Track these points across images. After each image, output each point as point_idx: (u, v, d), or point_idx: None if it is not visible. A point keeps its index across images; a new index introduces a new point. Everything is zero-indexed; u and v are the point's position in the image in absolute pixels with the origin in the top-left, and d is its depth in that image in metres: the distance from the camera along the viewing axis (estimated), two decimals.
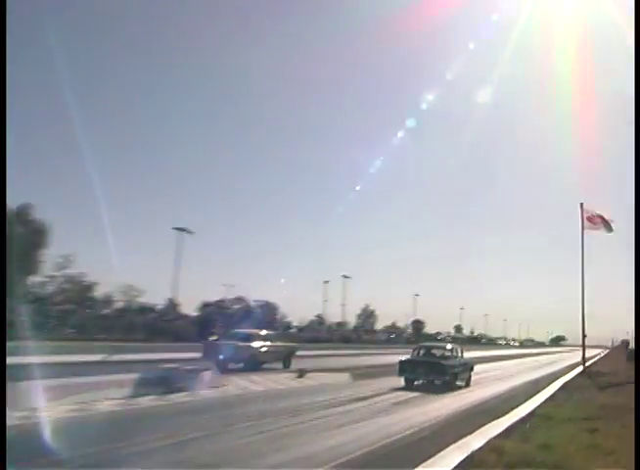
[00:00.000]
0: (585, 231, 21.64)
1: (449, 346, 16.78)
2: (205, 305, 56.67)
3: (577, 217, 21.66)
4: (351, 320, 77.14)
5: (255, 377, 13.88)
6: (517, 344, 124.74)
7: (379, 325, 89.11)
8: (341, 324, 65.03)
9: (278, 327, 55.34)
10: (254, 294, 64.94)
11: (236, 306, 62.47)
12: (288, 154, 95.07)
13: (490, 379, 17.91)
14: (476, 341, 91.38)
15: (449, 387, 14.24)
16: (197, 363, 11.69)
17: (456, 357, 15.90)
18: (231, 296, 60.76)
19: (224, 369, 15.15)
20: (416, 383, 14.82)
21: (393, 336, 69.26)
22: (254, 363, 17.29)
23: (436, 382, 14.75)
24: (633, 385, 14.54)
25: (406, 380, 14.78)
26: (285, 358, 18.73)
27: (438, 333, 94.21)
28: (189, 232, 41.70)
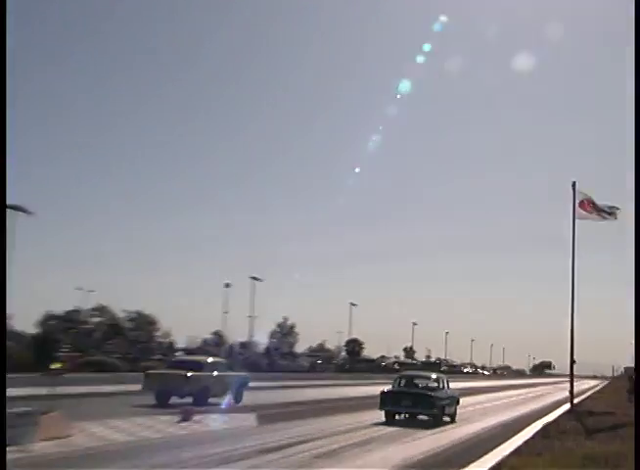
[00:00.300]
0: (578, 221, 23.95)
1: (434, 375, 20.77)
2: (50, 319, 54.87)
3: (567, 209, 23.99)
4: (263, 339, 78.48)
5: (120, 422, 14.06)
6: (487, 372, 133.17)
7: (301, 346, 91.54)
8: (247, 345, 65.92)
9: (155, 349, 55.02)
10: (124, 302, 63.64)
11: (96, 320, 60.07)
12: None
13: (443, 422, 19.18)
14: (433, 368, 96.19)
15: (435, 422, 17.95)
16: (32, 405, 11.71)
17: (443, 389, 19.62)
18: (89, 305, 58.99)
19: (166, 404, 19.69)
20: (397, 418, 18.58)
21: (320, 362, 71.31)
22: (205, 397, 20.88)
23: (422, 417, 18.42)
24: (632, 427, 16.72)
25: (387, 414, 18.43)
26: (236, 391, 22.46)
27: (383, 358, 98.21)
28: (26, 212, 39.51)
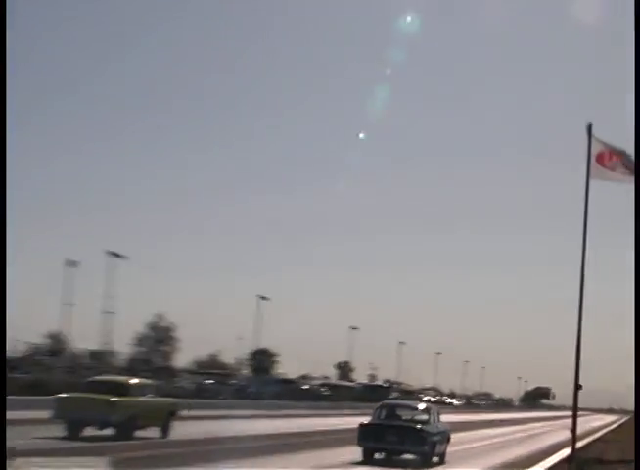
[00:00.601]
0: (595, 183, 24.58)
1: (423, 406, 24.58)
2: None
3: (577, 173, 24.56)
4: (124, 347, 77.35)
5: None
6: (458, 402, 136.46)
7: (183, 359, 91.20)
8: (99, 355, 65.26)
9: None
10: None
11: None
12: None
13: None
14: (380, 394, 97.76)
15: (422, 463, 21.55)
16: None
17: (434, 422, 22.73)
18: None
19: (78, 436, 23.07)
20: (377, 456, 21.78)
21: (212, 382, 71.48)
22: (131, 428, 24.25)
23: (409, 455, 21.74)
24: None
25: (366, 451, 21.58)
26: (165, 422, 26.05)
27: (305, 378, 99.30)
28: None
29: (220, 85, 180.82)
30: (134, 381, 26.92)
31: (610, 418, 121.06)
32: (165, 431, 26.00)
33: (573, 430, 25.23)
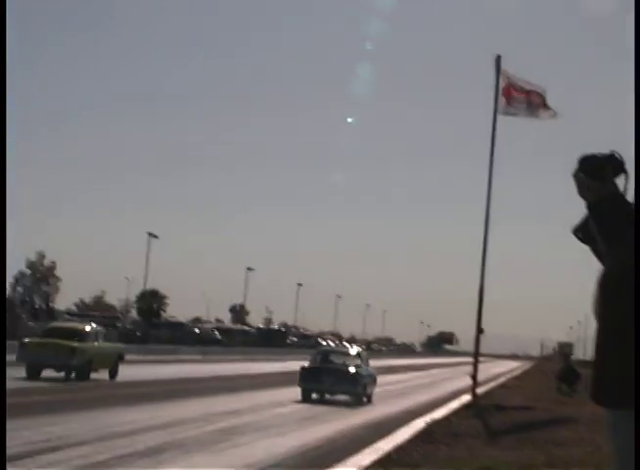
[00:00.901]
0: (503, 119, 24.85)
1: (355, 351, 29.75)
2: None
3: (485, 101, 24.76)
4: None
5: None
6: (358, 348, 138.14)
7: (64, 299, 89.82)
8: None
9: None
10: None
11: None
12: None
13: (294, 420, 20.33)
14: (276, 338, 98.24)
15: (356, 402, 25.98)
16: None
17: (364, 366, 27.35)
18: None
19: (37, 377, 27.18)
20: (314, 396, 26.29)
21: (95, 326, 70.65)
22: (88, 372, 28.50)
23: (345, 396, 26.28)
24: (554, 427, 17.94)
25: (305, 392, 25.97)
26: (114, 365, 30.27)
27: (198, 321, 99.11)
28: None
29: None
30: (90, 328, 30.66)
31: (513, 364, 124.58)
32: (114, 374, 30.06)
33: (474, 376, 25.83)
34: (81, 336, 28.86)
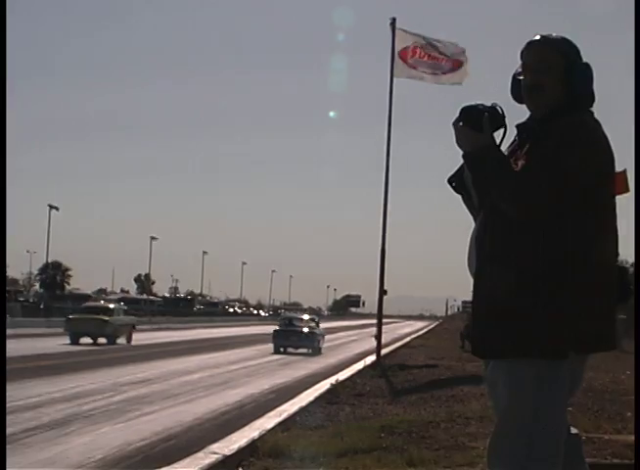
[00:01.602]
0: (398, 74, 24.92)
1: (309, 317, 42.96)
2: None
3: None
4: None
5: None
6: (265, 313, 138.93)
7: None
8: None
9: None
10: None
11: None
12: None
13: (203, 387, 20.46)
14: (183, 307, 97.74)
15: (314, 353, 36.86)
16: None
17: (317, 327, 39.87)
18: None
19: (77, 343, 37.26)
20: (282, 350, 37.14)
21: None
22: (115, 338, 39.08)
23: (306, 350, 37.09)
24: (455, 384, 18.42)
25: (276, 346, 36.80)
26: (129, 333, 41.15)
27: (102, 291, 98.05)
28: None
29: None
30: (114, 306, 43.75)
31: (419, 324, 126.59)
32: (129, 339, 40.58)
33: (378, 337, 26.31)
34: (109, 312, 40.23)
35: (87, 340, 38.17)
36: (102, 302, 52.76)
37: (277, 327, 39.22)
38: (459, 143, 4.08)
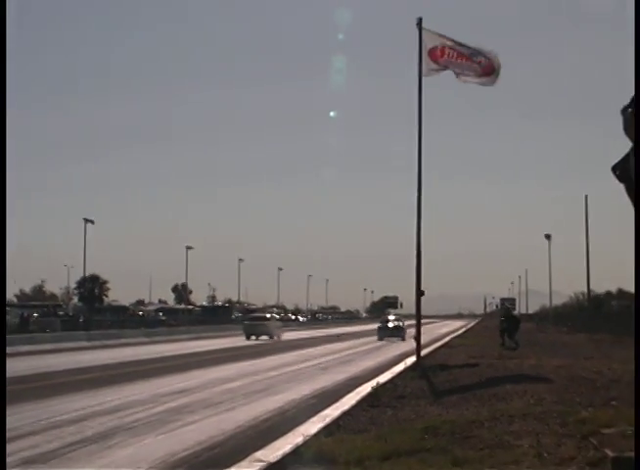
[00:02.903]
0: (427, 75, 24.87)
1: (269, 316, 72.08)
2: None
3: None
4: None
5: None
6: (303, 318, 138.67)
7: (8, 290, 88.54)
8: None
9: None
10: None
11: None
12: None
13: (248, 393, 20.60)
14: (220, 315, 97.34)
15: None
16: None
17: (275, 322, 70.28)
18: None
19: (250, 339, 63.70)
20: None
21: (37, 316, 69.97)
22: (273, 336, 64.58)
23: (396, 338, 60.09)
24: (497, 383, 18.32)
25: (381, 337, 61.70)
26: (280, 332, 69.14)
27: (140, 302, 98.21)
28: None
29: None
30: (269, 315, 72.38)
31: (458, 323, 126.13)
32: (279, 337, 64.18)
33: (418, 338, 26.21)
34: (267, 319, 67.63)
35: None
36: (267, 314, 75.75)
37: (379, 324, 66.07)
38: (627, 131, 3.89)
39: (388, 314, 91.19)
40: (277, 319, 73.03)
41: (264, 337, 61.31)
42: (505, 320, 40.96)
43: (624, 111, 3.90)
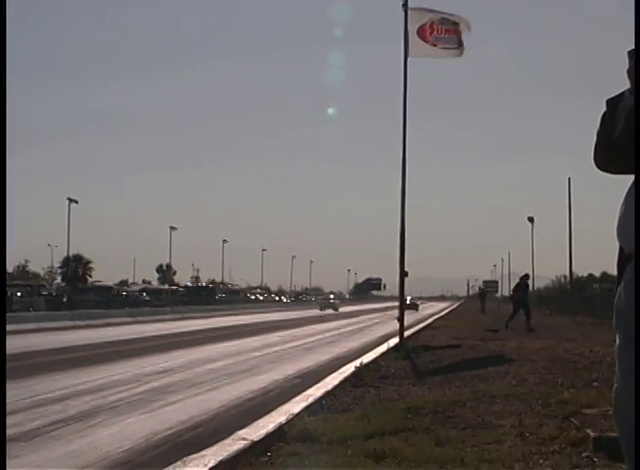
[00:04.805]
0: (414, 53, 24.73)
1: (410, 297, 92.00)
2: None
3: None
4: None
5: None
6: (287, 299, 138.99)
7: None
8: None
9: None
10: None
11: None
12: None
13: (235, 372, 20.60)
14: (204, 295, 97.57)
15: None
16: None
17: (417, 302, 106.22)
18: None
19: (323, 311, 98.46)
20: None
21: (20, 296, 69.80)
22: (337, 309, 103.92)
23: (413, 311, 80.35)
24: (479, 364, 18.41)
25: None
26: (338, 307, 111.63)
27: (124, 283, 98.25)
28: None
29: None
30: (333, 295, 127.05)
31: (441, 305, 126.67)
32: (337, 310, 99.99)
33: (400, 318, 26.29)
34: (333, 299, 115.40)
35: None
36: (331, 295, 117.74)
37: (321, 299, 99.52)
38: (630, 72, 3.99)
39: (331, 293, 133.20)
40: (336, 298, 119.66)
41: (330, 310, 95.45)
42: (523, 294, 38.41)
43: (630, 52, 3.99)
